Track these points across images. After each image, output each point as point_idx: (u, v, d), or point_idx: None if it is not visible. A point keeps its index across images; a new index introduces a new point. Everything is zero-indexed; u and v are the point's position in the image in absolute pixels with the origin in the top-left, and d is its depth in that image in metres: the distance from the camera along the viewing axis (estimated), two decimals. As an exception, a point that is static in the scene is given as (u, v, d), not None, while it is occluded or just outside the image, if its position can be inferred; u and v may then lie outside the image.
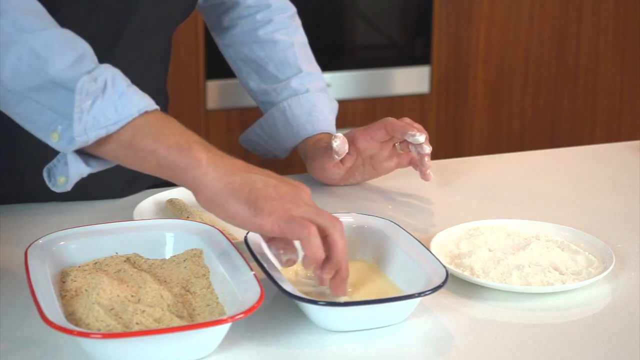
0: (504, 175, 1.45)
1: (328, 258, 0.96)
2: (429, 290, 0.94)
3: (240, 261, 0.97)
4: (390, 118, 1.31)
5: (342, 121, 2.68)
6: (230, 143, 2.62)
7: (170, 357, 0.88)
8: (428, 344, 0.94)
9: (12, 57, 0.95)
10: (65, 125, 0.96)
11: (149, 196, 1.27)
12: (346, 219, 1.09)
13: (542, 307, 1.02)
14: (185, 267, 1.01)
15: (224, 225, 1.18)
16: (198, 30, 2.62)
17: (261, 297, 0.89)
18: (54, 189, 1.00)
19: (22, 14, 0.96)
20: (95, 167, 1.00)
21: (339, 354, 0.92)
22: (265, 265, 0.98)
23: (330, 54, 2.83)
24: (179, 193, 1.27)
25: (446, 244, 1.13)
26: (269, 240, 0.98)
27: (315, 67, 1.46)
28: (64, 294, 0.95)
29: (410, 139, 1.28)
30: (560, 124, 3.10)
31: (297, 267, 1.03)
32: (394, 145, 1.34)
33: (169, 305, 0.93)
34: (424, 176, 1.31)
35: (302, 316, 0.97)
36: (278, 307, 1.00)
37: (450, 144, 3.00)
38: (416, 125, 1.29)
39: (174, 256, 1.04)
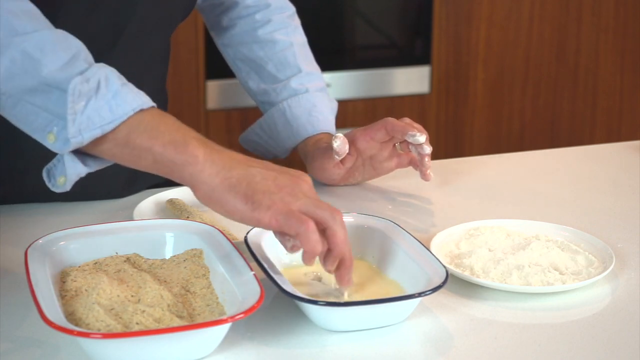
0: (504, 175, 1.45)
1: (329, 250, 0.96)
2: (429, 290, 0.94)
3: (240, 261, 0.97)
4: (390, 118, 1.31)
5: (342, 121, 2.69)
6: (230, 143, 2.62)
7: (170, 357, 0.88)
8: (428, 344, 0.94)
9: (5, 60, 0.95)
10: (60, 127, 0.96)
11: (149, 196, 1.27)
12: (346, 219, 1.09)
13: (542, 307, 1.02)
14: (185, 267, 1.01)
15: (224, 225, 1.18)
16: (198, 30, 2.62)
17: (261, 297, 0.89)
18: (53, 189, 1.00)
19: (14, 17, 0.96)
20: (93, 167, 1.00)
21: (339, 354, 0.92)
22: (265, 265, 0.98)
23: (330, 54, 2.83)
24: (179, 193, 1.27)
25: (446, 244, 1.13)
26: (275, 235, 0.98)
27: (315, 67, 1.46)
28: (64, 294, 0.95)
29: (410, 139, 1.28)
30: (560, 124, 3.10)
31: (307, 267, 1.03)
32: (394, 145, 1.34)
33: (169, 305, 0.93)
34: (424, 176, 1.31)
35: (302, 316, 0.97)
36: (278, 307, 1.00)
37: (450, 144, 3.00)
38: (416, 125, 1.29)
39: (174, 256, 1.04)
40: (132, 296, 0.94)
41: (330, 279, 1.02)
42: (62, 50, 0.97)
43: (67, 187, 0.99)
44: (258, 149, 1.47)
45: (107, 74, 0.97)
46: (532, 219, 1.22)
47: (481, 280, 1.04)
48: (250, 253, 1.00)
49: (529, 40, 3.00)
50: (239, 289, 0.93)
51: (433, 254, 1.02)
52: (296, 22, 1.47)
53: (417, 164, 1.32)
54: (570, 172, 1.47)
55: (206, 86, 2.69)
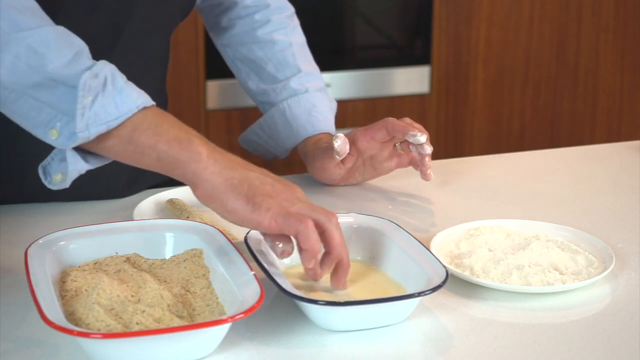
0: (504, 175, 1.45)
1: (327, 253, 0.97)
2: (429, 290, 0.94)
3: (240, 261, 0.97)
4: (391, 118, 1.31)
5: (342, 121, 2.69)
6: (230, 143, 2.62)
7: (170, 357, 0.88)
8: (428, 344, 0.94)
9: (9, 55, 0.95)
10: (64, 122, 0.96)
11: (149, 196, 1.27)
12: (346, 219, 1.09)
13: (542, 307, 1.02)
14: (185, 267, 1.01)
15: (224, 225, 1.18)
16: (198, 30, 2.62)
17: (261, 297, 0.89)
18: (50, 186, 1.00)
19: (18, 12, 0.97)
20: (94, 164, 1.00)
21: (339, 354, 0.92)
22: (265, 265, 0.98)
23: (330, 54, 2.83)
24: (179, 193, 1.27)
25: (446, 244, 1.13)
26: (265, 235, 0.99)
27: (314, 67, 1.46)
28: (64, 294, 0.95)
29: (411, 139, 1.28)
30: (560, 124, 3.10)
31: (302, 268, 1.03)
32: (395, 145, 1.34)
33: (169, 305, 0.93)
34: (425, 176, 1.31)
35: (302, 316, 0.97)
36: (278, 307, 1.00)
37: (450, 144, 3.00)
38: (417, 125, 1.29)
39: (174, 256, 1.04)
40: (132, 296, 0.94)
41: (328, 277, 1.02)
42: (66, 47, 0.97)
43: (66, 184, 0.99)
44: (258, 149, 1.47)
45: (112, 71, 0.98)
46: (532, 219, 1.22)
47: (481, 280, 1.04)
48: (250, 253, 1.00)
49: (529, 40, 3.00)
50: (239, 289, 0.93)
51: (433, 254, 1.02)
52: (295, 22, 1.47)
53: (417, 163, 1.32)
54: (570, 172, 1.47)
55: (206, 86, 2.69)
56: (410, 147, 1.31)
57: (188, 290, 0.98)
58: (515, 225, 1.18)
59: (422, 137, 1.27)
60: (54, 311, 0.87)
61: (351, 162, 1.33)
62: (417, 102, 2.93)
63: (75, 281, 0.96)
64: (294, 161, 1.44)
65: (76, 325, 0.88)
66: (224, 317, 0.89)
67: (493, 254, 1.10)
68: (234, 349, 0.92)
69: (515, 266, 1.06)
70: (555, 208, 1.31)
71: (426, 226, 1.24)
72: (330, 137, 1.37)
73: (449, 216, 1.26)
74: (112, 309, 0.91)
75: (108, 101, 0.96)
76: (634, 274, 1.10)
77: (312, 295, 0.99)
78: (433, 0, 2.87)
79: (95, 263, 1.01)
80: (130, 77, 1.00)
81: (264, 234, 0.99)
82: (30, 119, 0.98)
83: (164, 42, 1.35)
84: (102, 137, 0.97)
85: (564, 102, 3.08)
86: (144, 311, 0.90)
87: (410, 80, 2.90)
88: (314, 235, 0.94)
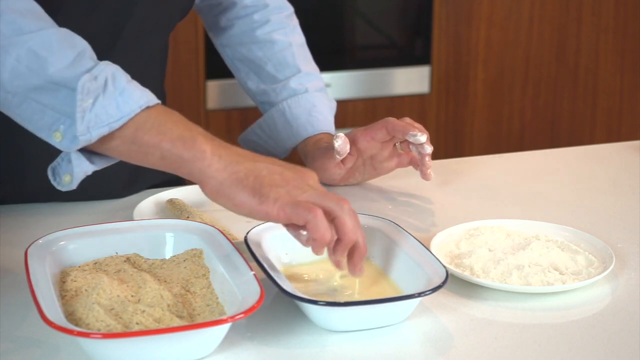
0: (504, 175, 1.45)
1: (338, 239, 0.95)
2: (429, 290, 0.94)
3: (240, 261, 0.97)
4: (391, 118, 1.31)
5: (342, 121, 2.69)
6: (230, 143, 2.62)
7: (170, 357, 0.88)
8: (428, 344, 0.94)
9: (10, 58, 0.95)
10: (67, 125, 0.96)
11: (149, 196, 1.27)
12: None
13: (542, 307, 1.02)
14: (185, 267, 1.01)
15: (224, 225, 1.18)
16: (198, 30, 2.62)
17: (261, 297, 0.89)
18: (59, 187, 1.00)
19: (19, 15, 0.96)
20: (99, 164, 1.00)
21: (339, 354, 0.92)
22: (265, 265, 0.98)
23: (330, 54, 2.83)
24: (179, 193, 1.27)
25: (446, 244, 1.13)
26: (287, 228, 0.97)
27: (314, 67, 1.46)
28: (64, 294, 0.95)
29: (411, 139, 1.28)
30: (560, 124, 3.10)
31: (307, 268, 1.03)
32: (395, 145, 1.34)
33: (169, 305, 0.93)
34: (425, 176, 1.31)
35: (302, 316, 0.97)
36: (278, 307, 1.00)
37: (450, 144, 3.00)
38: (417, 125, 1.29)
39: (174, 256, 1.04)
40: (132, 296, 0.94)
41: (330, 275, 1.02)
42: (68, 49, 0.97)
43: (74, 186, 0.99)
44: (257, 149, 1.47)
45: (113, 71, 0.98)
46: (532, 219, 1.22)
47: (481, 280, 1.04)
48: (250, 253, 1.00)
49: (529, 40, 3.00)
50: (239, 289, 0.93)
51: (433, 254, 1.02)
52: (294, 22, 1.47)
53: (417, 163, 1.32)
54: (570, 172, 1.47)
55: (206, 86, 2.69)
56: (411, 147, 1.31)
57: (188, 290, 0.98)
58: (515, 225, 1.18)
59: (423, 137, 1.27)
60: (54, 311, 0.87)
61: (351, 162, 1.33)
62: (417, 102, 2.93)
63: (75, 281, 0.96)
64: (294, 161, 1.43)
65: (76, 325, 0.88)
66: (224, 317, 0.89)
67: (493, 254, 1.10)
68: (234, 349, 0.92)
69: (515, 266, 1.06)
70: (555, 208, 1.31)
71: (426, 226, 1.24)
72: (330, 137, 1.37)
73: (449, 216, 1.26)
74: (112, 309, 0.91)
75: (109, 102, 0.96)
76: (634, 274, 1.10)
77: (312, 296, 0.99)
78: (433, 0, 2.87)
79: (95, 263, 1.01)
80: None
81: (286, 225, 0.97)
82: (34, 122, 0.98)
83: (163, 42, 1.35)
84: (105, 139, 0.97)
85: (564, 102, 3.08)
86: (144, 311, 0.90)
87: (410, 80, 2.90)
88: (322, 224, 0.93)
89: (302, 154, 1.41)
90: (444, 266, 0.99)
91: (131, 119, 0.96)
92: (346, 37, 2.91)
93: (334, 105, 1.45)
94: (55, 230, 1.04)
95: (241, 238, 1.06)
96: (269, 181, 0.95)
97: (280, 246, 1.05)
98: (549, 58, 3.03)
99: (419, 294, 0.94)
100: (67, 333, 0.83)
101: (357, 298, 1.00)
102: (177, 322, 0.90)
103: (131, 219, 1.18)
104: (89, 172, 1.00)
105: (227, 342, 0.91)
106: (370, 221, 1.11)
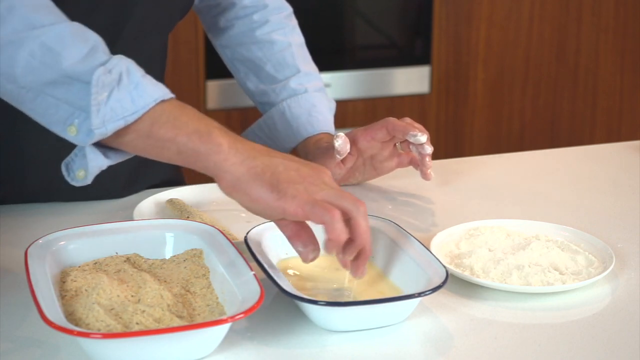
0: (504, 175, 1.45)
1: (351, 240, 0.96)
2: (429, 290, 0.94)
3: (240, 261, 0.97)
4: (391, 118, 1.31)
5: (342, 121, 2.69)
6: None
7: (170, 357, 0.88)
8: (428, 344, 0.94)
9: (24, 53, 0.95)
10: (82, 119, 0.95)
11: (149, 196, 1.27)
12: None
13: (542, 307, 1.02)
14: (185, 267, 1.01)
15: (224, 225, 1.18)
16: (198, 30, 2.62)
17: (261, 297, 0.89)
18: (73, 183, 0.99)
19: (32, 10, 0.96)
20: (114, 159, 1.00)
21: (339, 354, 0.92)
22: (265, 265, 0.98)
23: (330, 54, 2.84)
24: (179, 193, 1.27)
25: (446, 244, 1.13)
26: (292, 236, 0.97)
27: (313, 67, 1.45)
28: (64, 294, 0.95)
29: (411, 139, 1.28)
30: (560, 124, 3.10)
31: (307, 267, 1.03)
32: (395, 145, 1.34)
33: (169, 305, 0.93)
34: (425, 176, 1.31)
35: (302, 316, 0.97)
36: (278, 307, 1.00)
37: (450, 144, 3.00)
38: (417, 125, 1.29)
39: (174, 256, 1.04)
40: (132, 296, 0.94)
41: (328, 277, 1.02)
42: (81, 43, 0.97)
43: (88, 181, 0.99)
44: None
45: (127, 65, 0.97)
46: (532, 219, 1.22)
47: (481, 280, 1.04)
48: (250, 253, 1.00)
49: (529, 40, 3.00)
50: (239, 289, 0.93)
51: (433, 254, 1.02)
52: (294, 22, 1.47)
53: (417, 163, 1.32)
54: (570, 172, 1.47)
55: (206, 86, 2.69)
56: (411, 147, 1.31)
57: (188, 290, 0.98)
58: (515, 225, 1.18)
59: (423, 137, 1.27)
60: (54, 311, 0.87)
61: (351, 162, 1.33)
62: (417, 102, 2.93)
63: (75, 281, 0.96)
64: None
65: (76, 325, 0.88)
66: (224, 317, 0.89)
67: (493, 254, 1.10)
68: (234, 349, 0.92)
69: (515, 266, 1.06)
70: (555, 208, 1.31)
71: (426, 226, 1.24)
72: (331, 137, 1.37)
73: (449, 216, 1.26)
74: (112, 309, 0.91)
75: (124, 96, 0.95)
76: (634, 274, 1.10)
77: (312, 295, 0.99)
78: (433, 0, 2.87)
79: (95, 263, 1.01)
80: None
81: (289, 237, 0.98)
82: (48, 117, 0.97)
83: (163, 42, 1.35)
84: (120, 132, 0.96)
85: (564, 102, 3.08)
86: (144, 311, 0.90)
87: (410, 80, 2.91)
88: (339, 226, 0.93)
89: (302, 154, 1.41)
90: (444, 266, 0.99)
91: (146, 112, 0.96)
92: (346, 37, 2.91)
93: (333, 105, 1.45)
94: (55, 230, 1.04)
95: (241, 238, 1.06)
96: (286, 177, 0.95)
97: (280, 246, 1.05)
98: (549, 58, 3.03)
99: (419, 294, 0.94)
100: (67, 333, 0.83)
101: (357, 298, 1.00)
102: (177, 322, 0.90)
103: (131, 219, 1.18)
104: (104, 167, 0.99)
105: (227, 342, 0.91)
106: (370, 221, 1.10)
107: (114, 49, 1.21)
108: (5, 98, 0.98)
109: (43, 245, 1.00)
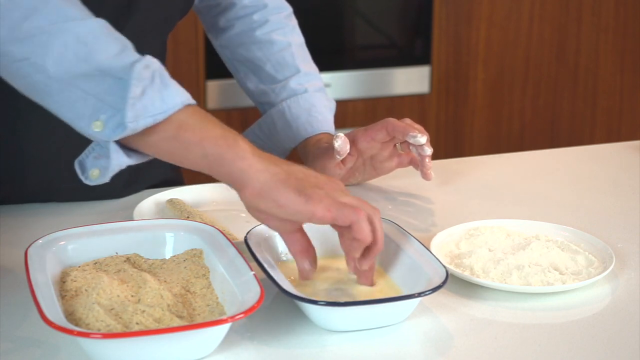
0: (504, 175, 1.45)
1: (372, 244, 0.97)
2: (429, 290, 0.94)
3: (240, 261, 0.97)
4: (391, 119, 1.31)
5: (342, 121, 2.69)
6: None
7: (170, 357, 0.88)
8: (428, 344, 0.94)
9: (57, 44, 0.94)
10: (109, 114, 0.95)
11: (149, 196, 1.27)
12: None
13: (542, 307, 1.02)
14: (185, 267, 1.01)
15: (224, 225, 1.18)
16: (198, 30, 2.62)
17: (261, 297, 0.89)
18: (86, 182, 0.98)
19: (65, 3, 0.96)
20: (135, 159, 0.99)
21: (339, 354, 0.92)
22: (265, 265, 0.98)
23: (330, 54, 2.84)
24: (179, 193, 1.27)
25: (446, 244, 1.13)
26: (301, 251, 0.99)
27: (313, 67, 1.45)
28: (64, 294, 0.95)
29: (411, 140, 1.28)
30: (560, 124, 3.10)
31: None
32: (395, 145, 1.34)
33: (169, 305, 0.93)
34: (425, 175, 1.31)
35: (302, 316, 0.97)
36: (278, 307, 1.00)
37: (450, 144, 3.00)
38: (417, 126, 1.29)
39: (174, 256, 1.04)
40: (132, 296, 0.94)
41: (328, 277, 1.02)
42: (113, 39, 0.97)
43: (106, 179, 0.98)
44: (257, 150, 1.47)
45: (159, 66, 0.98)
46: (532, 219, 1.22)
47: (481, 280, 1.04)
48: (250, 253, 1.00)
49: (529, 40, 3.00)
50: (239, 289, 0.93)
51: (433, 254, 1.02)
52: (293, 22, 1.47)
53: (417, 163, 1.32)
54: (570, 172, 1.47)
55: (206, 86, 2.69)
56: (411, 147, 1.31)
57: (188, 290, 0.98)
58: (515, 225, 1.18)
59: (422, 138, 1.27)
60: (54, 311, 0.87)
61: (351, 162, 1.33)
62: (417, 102, 2.93)
63: (75, 281, 0.96)
64: (294, 161, 1.44)
65: (76, 325, 0.88)
66: (224, 317, 0.89)
67: (493, 254, 1.10)
68: (234, 349, 0.92)
69: (515, 266, 1.06)
70: (555, 208, 1.31)
71: (426, 226, 1.24)
72: (331, 137, 1.37)
73: (449, 216, 1.26)
74: (112, 309, 0.91)
75: (155, 94, 0.95)
76: (634, 274, 1.10)
77: (312, 295, 0.99)
78: (433, 0, 2.87)
79: (95, 263, 1.01)
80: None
81: (297, 253, 0.99)
82: (75, 111, 0.96)
83: (162, 43, 1.35)
84: (147, 132, 0.96)
85: (564, 102, 3.08)
86: (144, 311, 0.90)
87: (410, 80, 2.91)
88: (367, 227, 0.95)
89: (302, 154, 1.41)
90: (444, 266, 0.99)
91: (174, 113, 0.96)
92: (346, 37, 2.91)
93: (333, 105, 1.45)
94: (55, 230, 1.04)
95: (241, 238, 1.06)
96: (309, 182, 0.96)
97: (280, 246, 1.05)
98: (549, 58, 3.03)
99: (419, 294, 0.94)
100: (67, 333, 0.83)
101: (357, 298, 1.00)
102: (177, 322, 0.90)
103: (131, 219, 1.18)
104: (124, 166, 0.98)
105: (227, 342, 0.91)
106: (370, 221, 1.11)
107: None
108: (28, 91, 0.97)
109: (43, 245, 1.00)
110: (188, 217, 1.19)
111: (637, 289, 1.06)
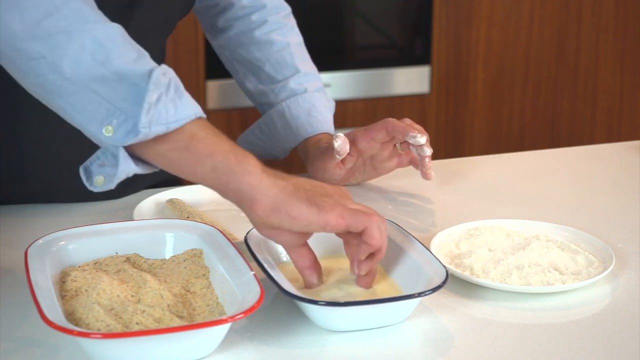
0: (504, 175, 1.45)
1: (378, 250, 0.98)
2: (429, 290, 0.94)
3: (240, 261, 0.97)
4: (391, 119, 1.31)
5: (342, 121, 2.69)
6: (230, 143, 2.62)
7: (170, 357, 0.88)
8: (428, 344, 0.94)
9: (75, 45, 0.93)
10: (121, 120, 0.94)
11: (149, 196, 1.27)
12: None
13: (542, 307, 1.02)
14: (185, 267, 1.01)
15: (224, 225, 1.18)
16: (198, 30, 2.62)
17: (261, 297, 0.89)
18: (91, 188, 0.98)
19: (84, 4, 0.96)
20: (143, 168, 0.98)
21: (339, 354, 0.92)
22: (265, 265, 0.98)
23: (330, 54, 2.83)
24: (179, 193, 1.27)
25: (446, 244, 1.13)
26: (309, 266, 0.99)
27: (312, 67, 1.45)
28: (64, 294, 0.95)
29: (411, 140, 1.28)
30: (560, 124, 3.10)
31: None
32: (395, 145, 1.34)
33: (169, 305, 0.93)
34: (425, 175, 1.31)
35: (302, 316, 0.97)
36: (278, 307, 1.00)
37: (450, 144, 3.00)
38: (417, 126, 1.29)
39: (174, 256, 1.04)
40: (132, 296, 0.94)
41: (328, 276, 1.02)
42: (130, 45, 0.97)
43: (111, 186, 0.97)
44: (257, 150, 1.47)
45: (174, 75, 0.97)
46: (532, 219, 1.22)
47: (481, 280, 1.04)
48: (250, 253, 1.00)
49: (529, 40, 3.00)
50: (239, 289, 0.93)
51: (433, 254, 1.02)
52: (292, 22, 1.47)
53: (417, 163, 1.32)
54: (570, 172, 1.47)
55: (206, 86, 2.69)
56: (410, 147, 1.31)
57: (188, 290, 0.98)
58: (515, 225, 1.18)
59: (422, 139, 1.27)
60: (54, 311, 0.87)
61: (351, 162, 1.33)
62: (417, 102, 2.93)
63: (75, 281, 0.96)
64: (294, 162, 1.44)
65: (76, 325, 0.88)
66: (224, 317, 0.89)
67: (493, 254, 1.10)
68: (234, 349, 0.92)
69: (515, 266, 1.06)
70: (555, 208, 1.31)
71: (426, 226, 1.24)
72: (330, 137, 1.37)
73: (449, 216, 1.26)
74: (112, 309, 0.91)
75: (170, 103, 0.95)
76: (634, 274, 1.10)
77: (312, 296, 0.99)
78: (433, 0, 2.87)
79: (95, 263, 1.01)
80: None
81: (305, 268, 0.99)
82: (87, 113, 0.95)
83: (162, 44, 1.35)
84: (158, 140, 0.95)
85: (564, 102, 3.08)
86: (144, 311, 0.90)
87: (410, 80, 2.90)
88: (378, 232, 0.96)
89: (302, 154, 1.41)
90: (444, 266, 0.99)
91: (186, 124, 0.95)
92: (346, 37, 2.91)
93: (332, 105, 1.45)
94: (55, 230, 1.04)
95: (241, 238, 1.06)
96: (318, 192, 0.96)
97: (280, 246, 1.05)
98: (549, 58, 3.03)
99: (419, 294, 0.94)
100: (67, 333, 0.83)
101: (357, 298, 1.00)
102: (177, 322, 0.90)
103: (131, 219, 1.18)
104: (130, 174, 0.97)
105: (227, 342, 0.91)
106: (370, 221, 1.10)
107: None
108: (38, 90, 0.96)
109: (43, 245, 1.00)
110: (188, 217, 1.19)
111: (637, 289, 1.06)
